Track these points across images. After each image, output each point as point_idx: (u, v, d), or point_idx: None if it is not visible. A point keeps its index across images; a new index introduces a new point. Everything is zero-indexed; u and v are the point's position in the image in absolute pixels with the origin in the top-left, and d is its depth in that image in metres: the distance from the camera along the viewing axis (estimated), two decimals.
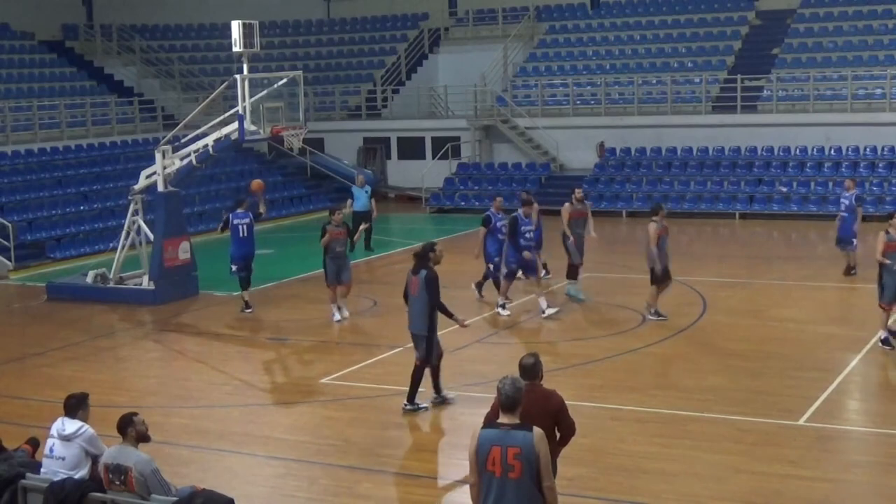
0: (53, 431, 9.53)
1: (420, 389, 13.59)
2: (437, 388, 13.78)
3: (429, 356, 13.41)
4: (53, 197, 28.51)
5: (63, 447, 9.39)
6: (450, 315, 13.46)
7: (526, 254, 18.55)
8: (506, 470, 7.28)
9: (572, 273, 19.70)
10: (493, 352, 16.46)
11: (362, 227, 19.18)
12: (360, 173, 28.01)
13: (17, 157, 30.12)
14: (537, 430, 7.37)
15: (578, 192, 19.91)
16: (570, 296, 19.59)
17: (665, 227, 17.80)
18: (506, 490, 7.30)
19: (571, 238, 19.43)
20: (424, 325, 13.29)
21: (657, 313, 17.82)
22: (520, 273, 19.29)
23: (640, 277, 19.04)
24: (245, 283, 19.75)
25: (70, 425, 9.46)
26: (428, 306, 13.23)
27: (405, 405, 13.53)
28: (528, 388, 7.78)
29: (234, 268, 19.72)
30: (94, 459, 9.38)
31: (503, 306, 18.75)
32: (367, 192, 25.42)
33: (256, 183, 20.92)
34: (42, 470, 9.49)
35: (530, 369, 8.52)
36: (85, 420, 9.54)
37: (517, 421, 7.40)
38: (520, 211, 18.83)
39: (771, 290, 20.33)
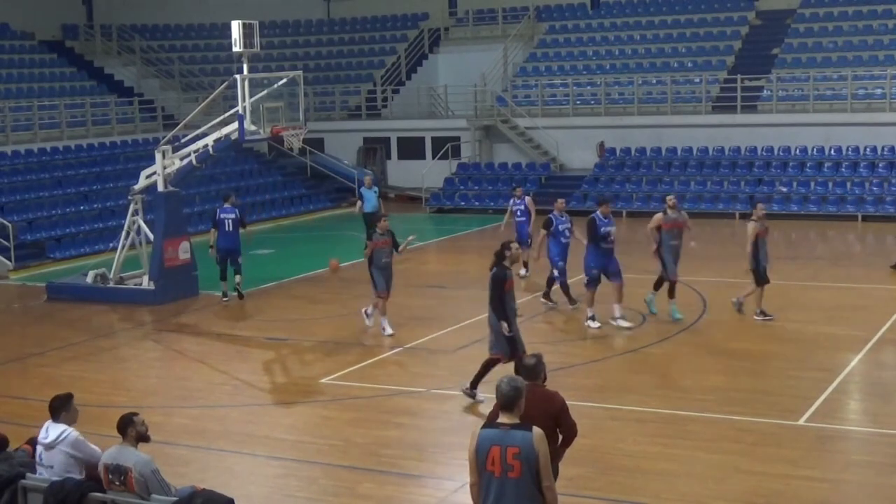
0: (40, 438, 9.39)
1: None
2: (475, 381, 13.66)
3: (514, 352, 13.22)
4: (53, 197, 28.51)
5: (48, 455, 9.29)
6: (503, 317, 13.24)
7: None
8: (505, 470, 7.27)
9: (658, 284, 17.98)
10: None
11: (411, 237, 18.36)
12: (368, 174, 28.04)
13: (17, 157, 30.12)
14: (537, 430, 7.35)
15: (671, 199, 17.83)
16: (648, 305, 18.12)
17: (766, 227, 17.61)
18: (505, 490, 7.30)
19: (655, 247, 17.67)
20: (496, 321, 13.29)
21: (763, 313, 17.56)
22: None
23: (640, 278, 19.01)
24: (223, 275, 20.68)
25: (53, 431, 9.29)
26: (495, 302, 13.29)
27: (464, 388, 13.61)
28: (529, 389, 7.76)
29: (217, 258, 20.72)
30: (88, 462, 9.25)
31: (592, 318, 17.50)
32: (375, 192, 25.46)
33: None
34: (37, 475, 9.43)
35: (531, 370, 8.50)
36: (72, 422, 9.36)
37: (517, 420, 7.39)
38: (597, 211, 17.67)
39: (771, 290, 20.30)
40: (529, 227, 21.84)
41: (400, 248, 17.61)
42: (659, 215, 17.73)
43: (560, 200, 19.52)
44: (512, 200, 22.38)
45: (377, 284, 17.33)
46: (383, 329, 17.51)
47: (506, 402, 7.42)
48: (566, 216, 19.01)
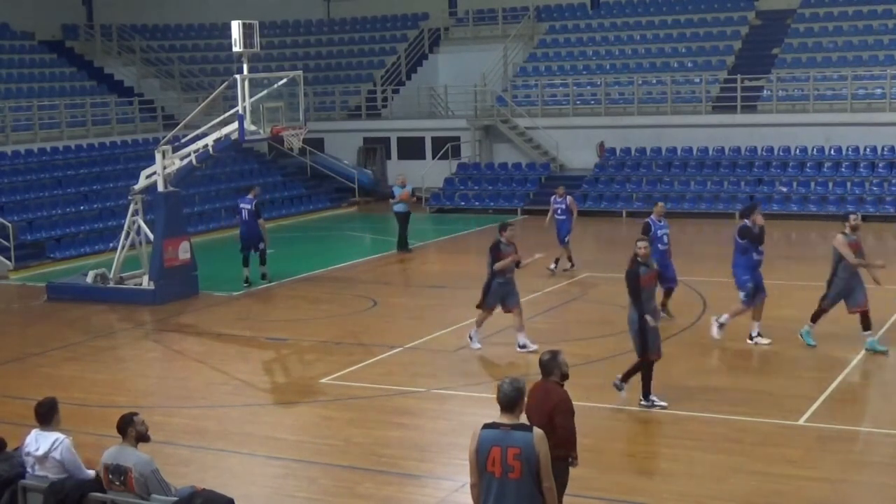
0: (28, 449, 9.29)
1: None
2: (646, 391, 13.26)
3: (644, 352, 13.01)
4: (53, 197, 28.50)
5: (42, 467, 9.24)
6: (641, 314, 12.91)
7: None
8: (506, 470, 7.27)
9: (818, 316, 15.93)
10: (494, 352, 16.45)
11: (538, 255, 17.23)
12: (401, 173, 28.23)
13: (17, 157, 30.11)
14: (537, 431, 7.35)
15: (854, 219, 15.51)
16: (804, 337, 15.93)
17: None
18: (506, 490, 7.29)
19: (859, 262, 15.38)
20: (634, 320, 13.01)
21: None
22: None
23: None
24: (245, 261, 22.01)
25: (44, 442, 9.21)
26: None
27: (640, 401, 13.19)
28: (539, 385, 7.75)
29: (240, 245, 22.12)
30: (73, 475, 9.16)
31: (759, 335, 16.07)
32: (408, 191, 25.75)
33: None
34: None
35: (544, 365, 8.53)
36: (57, 426, 9.29)
37: (517, 421, 7.39)
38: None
39: (771, 290, 20.26)
40: (570, 225, 22.20)
41: (522, 264, 16.21)
42: (841, 237, 15.46)
43: (660, 204, 18.34)
44: (553, 198, 22.70)
45: (489, 298, 15.96)
46: (472, 342, 16.28)
47: (506, 402, 7.41)
48: (664, 221, 17.86)
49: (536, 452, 7.24)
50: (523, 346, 16.05)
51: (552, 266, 22.14)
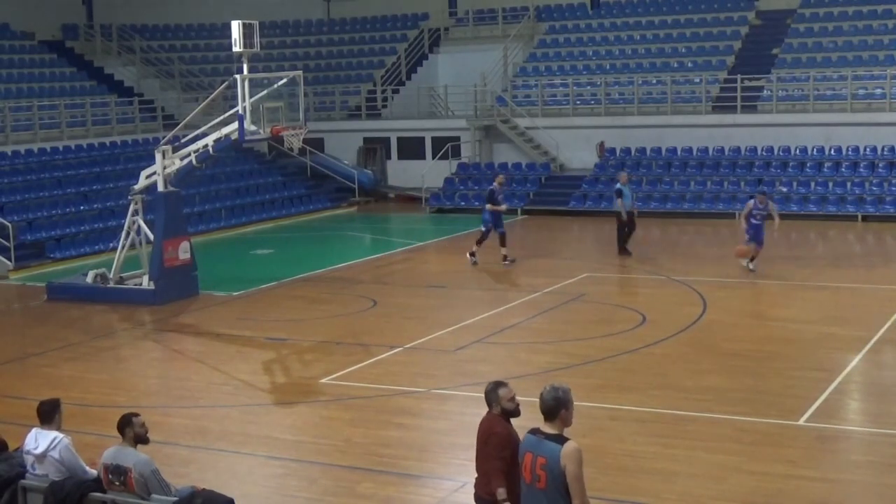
0: (28, 447, 9.27)
1: None
2: None
3: None
4: (53, 197, 28.49)
5: (41, 465, 9.22)
6: None
7: None
8: (534, 479, 7.20)
9: None
10: (493, 352, 16.45)
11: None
12: (624, 170, 27.73)
13: (17, 157, 30.11)
14: (569, 445, 7.16)
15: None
16: None
17: None
18: (534, 498, 7.24)
19: None
20: None
21: None
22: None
23: (640, 278, 19.03)
24: (502, 240, 23.76)
25: (43, 439, 9.18)
26: None
27: None
28: (484, 418, 7.66)
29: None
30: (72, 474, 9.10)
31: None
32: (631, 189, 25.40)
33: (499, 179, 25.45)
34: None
35: (486, 395, 8.00)
36: (59, 426, 9.25)
37: (556, 431, 7.25)
38: None
39: (771, 290, 20.33)
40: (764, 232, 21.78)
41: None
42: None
43: None
44: (754, 202, 21.93)
45: None
46: None
47: (544, 410, 7.29)
48: None
49: (562, 467, 7.10)
50: None
51: (750, 265, 21.67)
